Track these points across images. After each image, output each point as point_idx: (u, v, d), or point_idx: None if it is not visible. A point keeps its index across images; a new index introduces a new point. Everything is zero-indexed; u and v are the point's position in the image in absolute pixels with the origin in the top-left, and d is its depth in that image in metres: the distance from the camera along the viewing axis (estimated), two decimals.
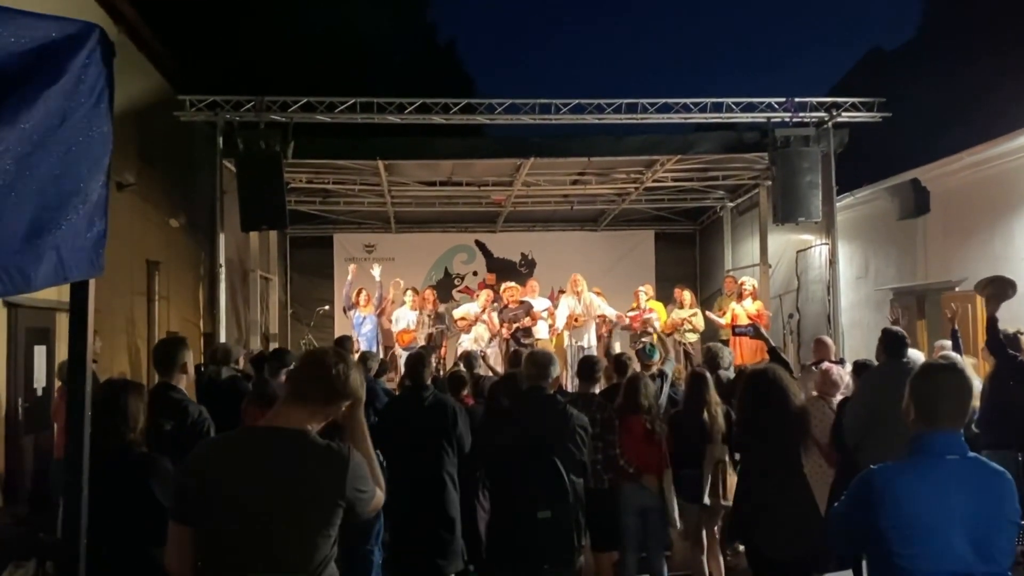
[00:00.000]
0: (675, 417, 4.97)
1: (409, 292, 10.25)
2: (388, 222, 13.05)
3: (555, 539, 3.56)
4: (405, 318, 10.06)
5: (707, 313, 10.19)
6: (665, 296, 11.40)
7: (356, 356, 7.90)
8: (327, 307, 11.99)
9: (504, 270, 13.28)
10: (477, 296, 10.36)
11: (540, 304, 10.03)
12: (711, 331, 10.31)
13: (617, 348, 10.39)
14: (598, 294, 10.18)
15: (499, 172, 10.67)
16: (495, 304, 10.08)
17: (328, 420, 2.24)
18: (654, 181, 10.81)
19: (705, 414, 4.66)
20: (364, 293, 10.01)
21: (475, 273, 13.49)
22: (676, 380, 6.16)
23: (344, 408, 2.25)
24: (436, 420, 4.49)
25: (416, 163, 10.13)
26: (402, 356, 9.07)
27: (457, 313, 10.15)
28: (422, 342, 9.78)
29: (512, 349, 8.48)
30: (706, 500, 4.60)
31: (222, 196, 8.90)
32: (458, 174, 10.78)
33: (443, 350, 10.29)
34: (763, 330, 6.38)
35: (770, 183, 9.67)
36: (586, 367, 5.10)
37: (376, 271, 10.17)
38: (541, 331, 9.87)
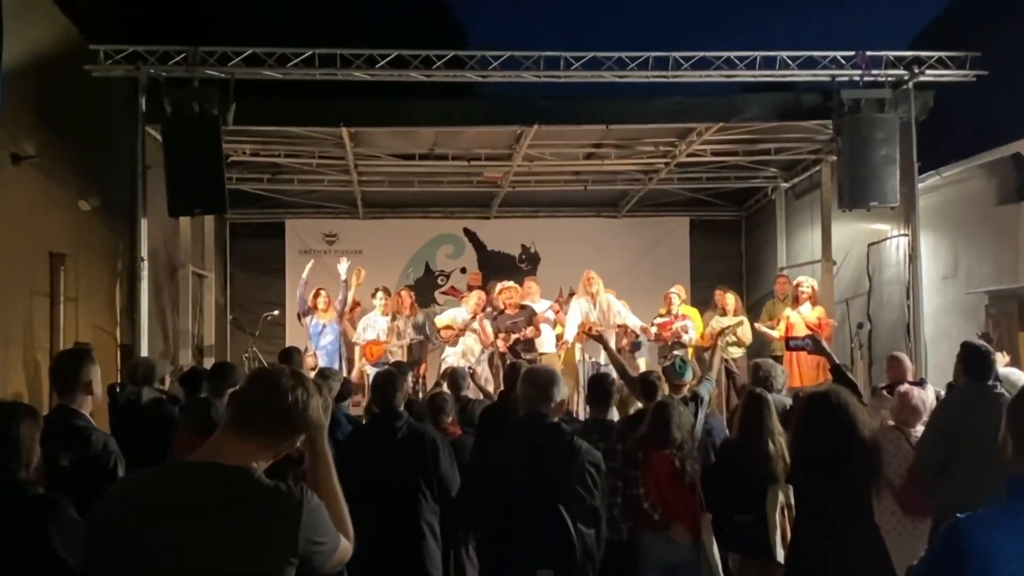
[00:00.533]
0: (726, 448, 4.96)
1: (380, 293, 10.24)
2: (354, 205, 13.06)
3: None
4: (374, 326, 10.06)
5: (755, 324, 10.20)
6: (702, 300, 11.40)
7: (312, 374, 7.90)
8: (276, 312, 12.00)
9: (500, 266, 13.30)
10: (466, 299, 10.37)
11: (542, 308, 10.05)
12: (759, 344, 10.30)
13: (642, 365, 10.41)
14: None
15: (494, 143, 10.68)
16: (488, 310, 10.07)
17: (278, 456, 2.24)
18: (689, 155, 10.83)
19: (770, 445, 4.65)
20: (324, 295, 10.02)
21: (463, 270, 13.52)
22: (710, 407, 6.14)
23: (299, 442, 2.26)
24: (412, 455, 4.49)
25: (390, 131, 10.13)
26: (371, 374, 9.07)
27: (441, 320, 10.16)
28: (396, 356, 9.79)
29: (509, 363, 8.47)
30: (779, 554, 4.57)
31: (145, 172, 8.89)
32: (443, 145, 10.78)
33: (423, 367, 10.30)
34: (825, 343, 6.36)
35: (835, 158, 9.68)
36: (598, 388, 5.09)
37: (342, 267, 10.17)
38: (546, 343, 9.88)
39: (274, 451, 2.22)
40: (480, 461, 4.06)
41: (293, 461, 2.43)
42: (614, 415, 5.89)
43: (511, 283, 10.12)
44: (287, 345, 11.68)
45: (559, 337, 10.04)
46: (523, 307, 9.88)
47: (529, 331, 9.68)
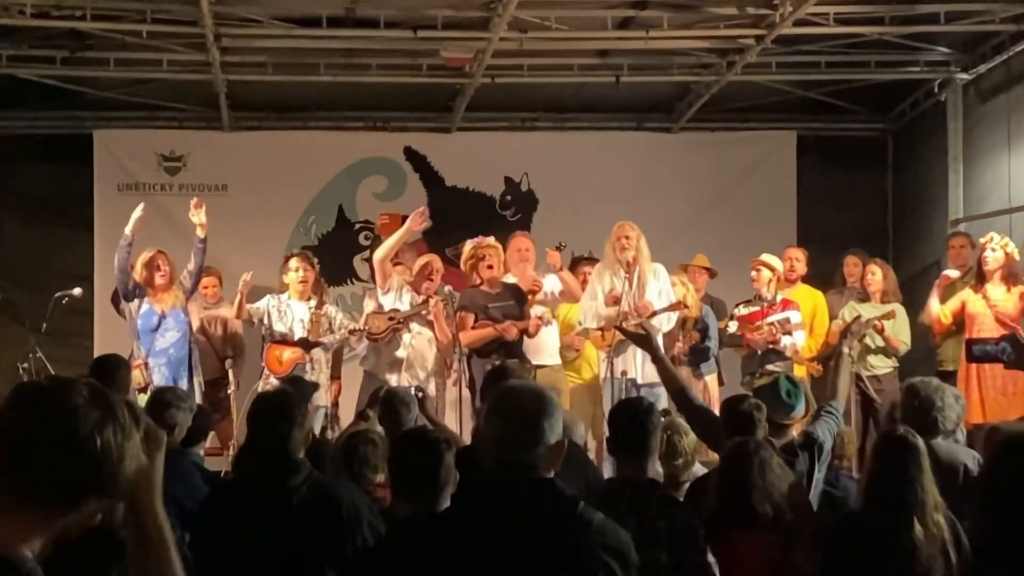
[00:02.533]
0: (843, 527, 4.97)
1: (295, 262, 10.22)
2: (215, 107, 12.98)
3: None
4: (287, 316, 10.12)
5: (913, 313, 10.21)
6: (820, 274, 11.38)
7: (143, 396, 7.86)
8: (78, 291, 11.92)
9: (468, 213, 13.33)
10: (410, 269, 10.36)
11: (548, 286, 10.07)
12: (920, 350, 10.32)
13: (713, 388, 10.39)
14: (699, 272, 10.17)
15: (459, 0, 10.63)
16: (447, 290, 10.03)
17: (65, 535, 2.24)
18: (798, 23, 10.79)
19: (916, 526, 4.66)
20: (163, 263, 10.01)
21: (405, 218, 13.46)
22: (841, 458, 6.15)
23: (102, 512, 2.26)
24: (315, 533, 4.52)
25: None
26: None
27: (369, 304, 10.20)
28: (321, 367, 9.85)
29: (490, 369, 8.38)
30: None
31: None
32: (370, 3, 10.70)
33: (335, 385, 10.31)
34: None
35: None
36: (625, 422, 5.09)
37: (197, 217, 10.11)
38: (545, 347, 9.94)
39: (55, 524, 2.21)
40: (420, 549, 4.05)
41: (113, 546, 2.41)
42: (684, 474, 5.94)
43: (491, 240, 10.09)
44: (97, 348, 11.61)
45: (567, 339, 10.06)
46: (509, 285, 9.85)
47: (532, 321, 9.60)
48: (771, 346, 9.92)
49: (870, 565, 4.71)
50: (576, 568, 3.56)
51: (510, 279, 10.11)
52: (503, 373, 6.15)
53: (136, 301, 9.97)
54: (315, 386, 9.31)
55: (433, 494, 4.13)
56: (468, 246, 10.12)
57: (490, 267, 9.80)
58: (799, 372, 9.62)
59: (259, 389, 9.43)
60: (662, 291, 9.73)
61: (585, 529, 3.60)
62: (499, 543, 3.60)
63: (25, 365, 11.22)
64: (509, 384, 4.10)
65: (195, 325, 10.47)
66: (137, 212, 10.09)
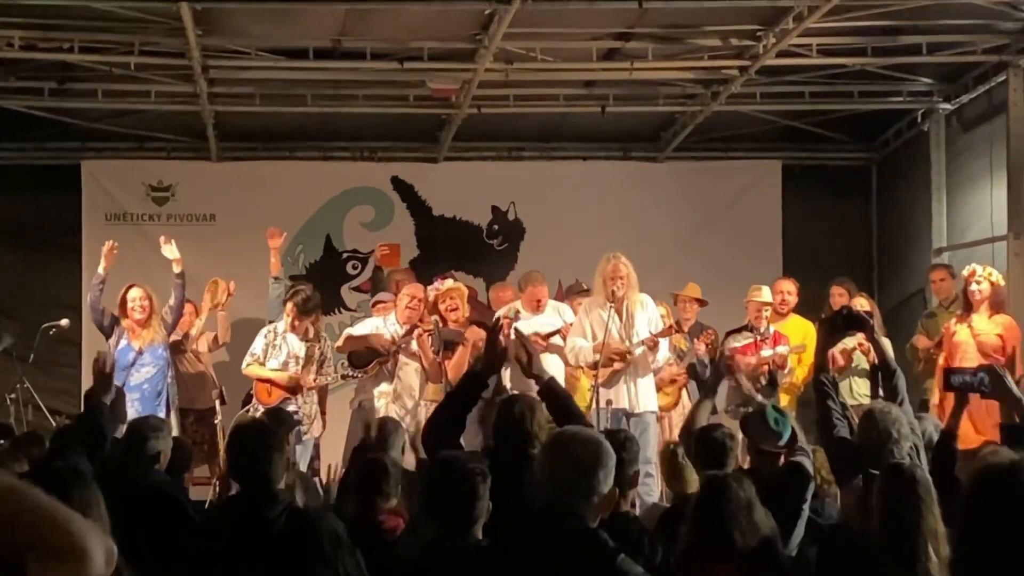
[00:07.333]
0: (861, 558, 4.98)
1: (297, 295, 10.19)
2: (202, 138, 12.99)
3: None
4: (284, 348, 10.12)
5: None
6: (808, 300, 11.40)
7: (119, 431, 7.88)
8: (66, 322, 11.91)
9: (454, 243, 13.36)
10: (394, 304, 10.36)
11: (544, 321, 10.08)
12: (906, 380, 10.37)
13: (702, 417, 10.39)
14: (689, 302, 10.18)
15: (446, 32, 10.65)
16: (435, 319, 10.05)
17: None
18: (782, 54, 10.84)
19: (932, 559, 4.65)
20: (140, 298, 10.02)
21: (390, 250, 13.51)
22: (828, 483, 6.17)
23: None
24: (293, 567, 4.49)
25: (264, 8, 10.05)
26: None
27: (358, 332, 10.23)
28: (310, 401, 9.89)
29: (501, 399, 8.41)
30: None
31: None
32: (356, 35, 10.72)
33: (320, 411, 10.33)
34: (1009, 379, 6.41)
35: None
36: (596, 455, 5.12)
37: (169, 250, 10.19)
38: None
39: None
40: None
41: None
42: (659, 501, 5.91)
43: (448, 283, 10.15)
44: (84, 378, 11.55)
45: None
46: (479, 324, 9.92)
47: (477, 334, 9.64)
48: (768, 378, 9.91)
49: None
50: None
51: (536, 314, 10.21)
52: (513, 403, 6.12)
53: (114, 337, 9.98)
54: (296, 419, 9.32)
55: (467, 524, 4.18)
56: (431, 294, 10.16)
57: (453, 310, 9.90)
58: (787, 401, 9.64)
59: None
60: (651, 319, 9.80)
61: None
62: None
63: (13, 395, 11.19)
64: (568, 431, 4.10)
65: (202, 348, 10.57)
66: (105, 248, 10.15)
